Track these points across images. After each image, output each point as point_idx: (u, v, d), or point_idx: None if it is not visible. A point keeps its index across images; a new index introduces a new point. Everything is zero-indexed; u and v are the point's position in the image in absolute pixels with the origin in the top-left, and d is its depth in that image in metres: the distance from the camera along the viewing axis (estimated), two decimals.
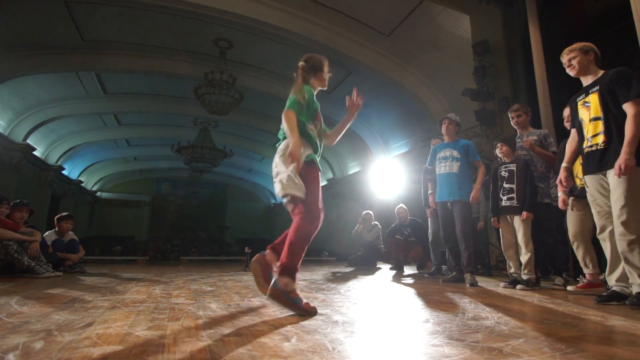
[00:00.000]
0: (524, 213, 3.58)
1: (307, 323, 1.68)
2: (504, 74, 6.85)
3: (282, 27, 8.18)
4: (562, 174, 2.93)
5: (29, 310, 1.91)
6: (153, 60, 9.96)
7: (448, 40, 8.08)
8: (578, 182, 3.24)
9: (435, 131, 9.20)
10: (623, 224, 2.39)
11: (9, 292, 2.69)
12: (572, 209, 3.33)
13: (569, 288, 3.20)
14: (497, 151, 3.94)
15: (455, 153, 4.22)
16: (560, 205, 3.37)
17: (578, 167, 3.24)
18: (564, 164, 2.96)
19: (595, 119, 2.64)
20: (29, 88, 10.27)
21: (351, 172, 14.88)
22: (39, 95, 10.73)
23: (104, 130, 14.22)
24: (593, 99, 2.66)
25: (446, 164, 4.24)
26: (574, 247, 3.31)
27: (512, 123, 4.27)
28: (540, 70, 5.80)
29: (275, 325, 1.63)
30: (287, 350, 1.22)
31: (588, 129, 2.70)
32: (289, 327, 1.58)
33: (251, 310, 2.04)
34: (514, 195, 3.70)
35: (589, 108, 2.69)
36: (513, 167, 3.79)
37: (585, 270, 3.26)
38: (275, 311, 2.01)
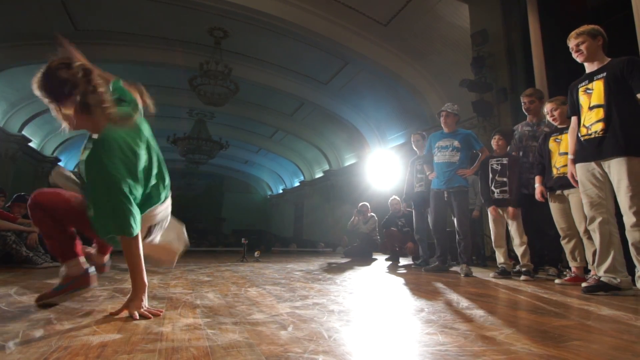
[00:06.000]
0: (510, 209, 3.63)
1: (304, 312, 1.70)
2: (503, 64, 6.84)
3: (278, 17, 8.11)
4: (571, 167, 2.84)
5: (28, 300, 1.92)
6: (147, 51, 9.88)
7: (446, 30, 8.04)
8: (555, 172, 3.26)
9: (432, 122, 9.22)
10: (635, 214, 2.36)
11: (8, 282, 2.70)
12: (553, 202, 3.36)
13: (557, 281, 3.24)
14: (493, 143, 3.94)
15: (456, 143, 4.22)
16: (537, 196, 3.40)
17: (556, 157, 3.27)
18: (570, 156, 2.86)
19: (597, 106, 2.58)
20: (23, 79, 10.16)
21: (347, 163, 14.88)
22: None
23: None
24: (597, 86, 2.59)
25: (445, 154, 4.24)
26: (564, 241, 3.34)
27: (523, 109, 4.07)
28: (539, 61, 5.81)
29: (271, 314, 1.65)
30: (284, 338, 1.23)
31: (586, 117, 2.65)
32: (285, 316, 1.60)
33: (248, 299, 2.06)
34: (506, 188, 3.74)
35: (591, 95, 2.63)
36: (505, 160, 3.82)
37: (573, 264, 3.28)
38: (272, 300, 2.03)
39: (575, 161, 2.75)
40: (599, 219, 2.54)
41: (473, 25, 7.20)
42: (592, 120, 2.61)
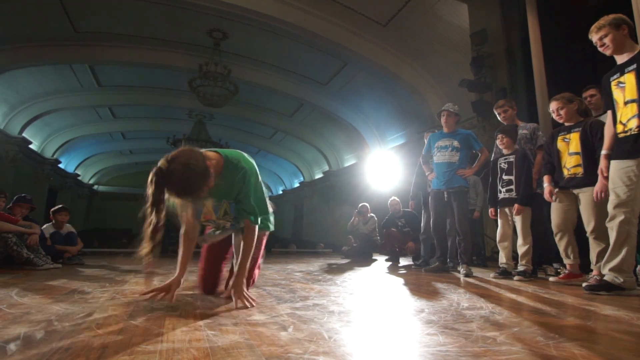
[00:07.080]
0: (516, 206, 3.60)
1: (304, 313, 1.70)
2: (502, 64, 6.83)
3: (277, 17, 8.11)
4: (603, 163, 2.65)
5: (29, 302, 1.92)
6: (147, 52, 9.88)
7: (445, 30, 8.04)
8: (565, 172, 3.19)
9: (432, 123, 9.21)
10: None
11: (9, 284, 2.70)
12: (557, 201, 3.27)
13: (551, 279, 3.22)
14: (498, 142, 3.91)
15: (456, 143, 4.22)
16: (546, 197, 3.33)
17: (566, 158, 3.19)
18: (604, 152, 2.67)
19: (631, 101, 2.41)
20: (23, 81, 10.19)
21: (347, 164, 14.87)
22: (33, 88, 10.64)
23: (99, 123, 14.14)
24: (629, 79, 2.42)
25: (445, 154, 4.24)
26: (557, 238, 3.28)
27: (499, 119, 4.26)
28: (538, 61, 5.78)
29: (272, 315, 1.65)
30: (284, 339, 1.23)
31: (622, 113, 2.48)
32: (285, 317, 1.60)
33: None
34: (513, 187, 3.70)
35: (624, 89, 2.45)
36: (512, 158, 3.77)
37: (567, 261, 3.25)
38: (272, 301, 2.03)
39: (610, 157, 2.59)
40: (620, 218, 2.43)
41: (472, 25, 7.19)
42: (627, 117, 2.44)
